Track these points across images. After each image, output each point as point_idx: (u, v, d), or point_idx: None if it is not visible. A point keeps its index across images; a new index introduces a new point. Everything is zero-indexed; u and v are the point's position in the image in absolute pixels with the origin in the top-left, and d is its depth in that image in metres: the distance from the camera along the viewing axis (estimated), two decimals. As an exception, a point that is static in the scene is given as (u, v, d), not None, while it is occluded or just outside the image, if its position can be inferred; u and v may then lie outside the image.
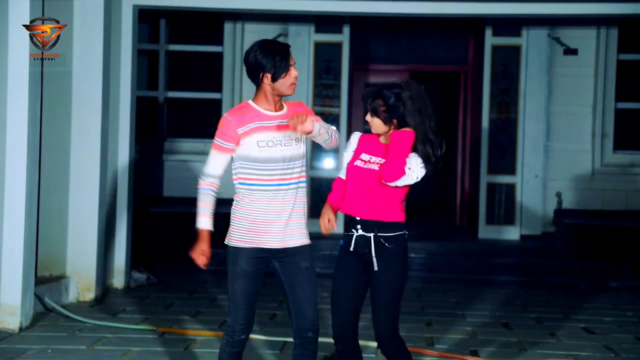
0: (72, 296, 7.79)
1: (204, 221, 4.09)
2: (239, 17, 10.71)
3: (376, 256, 4.13)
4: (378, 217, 4.15)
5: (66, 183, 7.87)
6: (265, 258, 4.09)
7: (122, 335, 6.38)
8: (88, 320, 6.85)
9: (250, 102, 4.13)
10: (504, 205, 10.69)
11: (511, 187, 10.69)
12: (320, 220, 4.20)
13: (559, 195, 10.70)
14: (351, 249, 4.20)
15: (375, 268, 4.13)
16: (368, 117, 4.25)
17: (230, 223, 4.12)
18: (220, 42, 10.94)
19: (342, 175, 4.34)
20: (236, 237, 4.08)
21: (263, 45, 4.07)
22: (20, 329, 6.47)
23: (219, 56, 10.95)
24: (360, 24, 10.99)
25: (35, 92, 6.72)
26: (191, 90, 11.18)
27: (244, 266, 4.04)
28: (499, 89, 10.75)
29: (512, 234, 10.64)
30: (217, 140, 4.10)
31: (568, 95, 10.83)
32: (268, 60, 4.02)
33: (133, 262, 8.93)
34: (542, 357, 6.04)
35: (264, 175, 4.03)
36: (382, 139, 4.28)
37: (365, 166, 4.20)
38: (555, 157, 10.80)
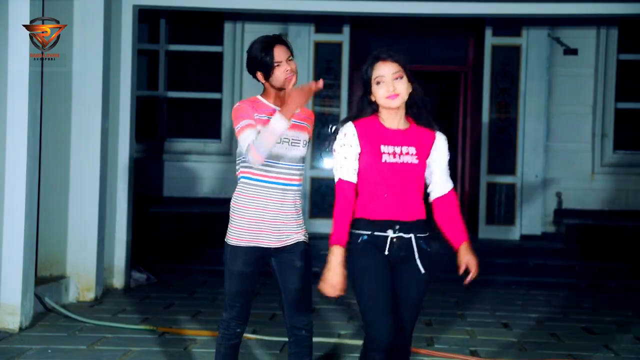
0: (72, 296, 7.78)
1: (280, 118, 3.80)
2: (239, 17, 10.71)
3: (419, 258, 3.77)
4: (418, 215, 3.77)
5: (66, 183, 7.86)
6: (263, 257, 4.07)
7: (122, 335, 6.37)
8: (88, 320, 6.85)
9: (259, 97, 4.07)
10: (504, 205, 10.68)
11: (511, 187, 10.69)
12: (327, 283, 3.63)
13: (559, 195, 10.70)
14: (386, 252, 3.72)
15: (422, 271, 3.77)
16: (388, 84, 3.70)
17: (230, 221, 4.06)
18: (220, 42, 10.94)
19: (350, 177, 3.72)
20: (234, 236, 4.02)
21: (252, 44, 4.03)
22: (20, 329, 6.47)
23: (219, 56, 10.95)
24: (360, 24, 10.99)
25: (35, 92, 6.71)
26: (191, 90, 11.17)
27: (241, 267, 4.01)
28: (499, 89, 10.74)
29: (512, 234, 10.64)
30: (242, 122, 3.90)
31: (568, 95, 10.83)
32: (254, 59, 3.98)
33: (133, 262, 8.93)
34: (542, 357, 6.04)
35: (271, 172, 3.98)
36: (387, 123, 3.73)
37: (399, 160, 3.70)
38: (555, 157, 10.80)
